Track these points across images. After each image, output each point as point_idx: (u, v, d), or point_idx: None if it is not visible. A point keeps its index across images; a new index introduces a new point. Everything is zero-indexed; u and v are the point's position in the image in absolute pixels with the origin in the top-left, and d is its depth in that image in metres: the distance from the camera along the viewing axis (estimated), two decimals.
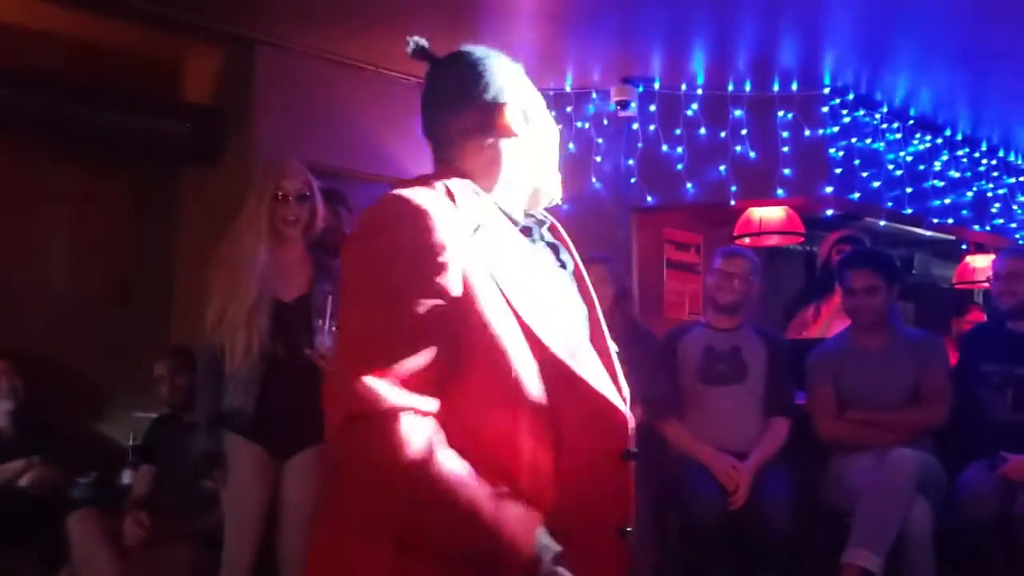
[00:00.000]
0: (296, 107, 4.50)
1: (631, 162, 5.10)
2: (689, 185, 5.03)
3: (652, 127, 5.07)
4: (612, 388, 1.46)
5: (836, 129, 5.05)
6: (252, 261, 3.00)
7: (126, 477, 3.89)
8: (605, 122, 5.12)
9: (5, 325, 4.17)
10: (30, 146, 4.36)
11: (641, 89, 4.99)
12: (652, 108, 5.07)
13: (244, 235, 3.04)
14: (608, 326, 3.59)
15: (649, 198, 5.08)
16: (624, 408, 1.47)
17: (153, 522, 3.52)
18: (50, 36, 4.34)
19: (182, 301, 4.59)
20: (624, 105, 4.93)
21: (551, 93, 5.12)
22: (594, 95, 5.13)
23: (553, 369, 1.38)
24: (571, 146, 5.11)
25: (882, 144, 5.33)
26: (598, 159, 5.12)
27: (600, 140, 5.13)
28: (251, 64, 4.46)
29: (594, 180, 5.12)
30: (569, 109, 5.11)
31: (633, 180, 5.09)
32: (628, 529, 1.46)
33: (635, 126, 5.08)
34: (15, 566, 3.59)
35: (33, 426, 3.92)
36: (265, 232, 3.05)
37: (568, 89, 5.11)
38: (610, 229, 5.05)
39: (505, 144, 1.55)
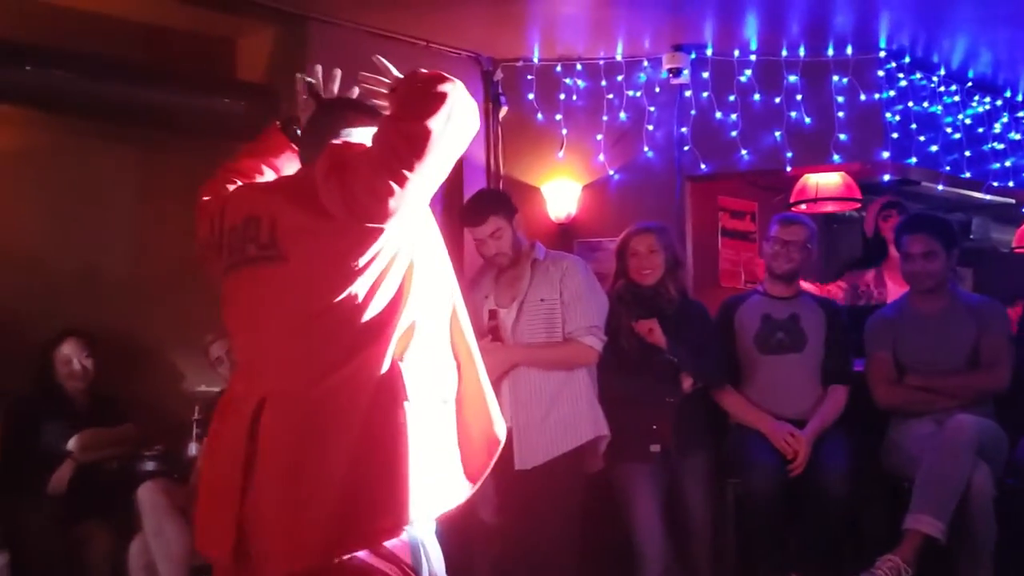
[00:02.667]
0: (349, 83, 4.53)
1: (684, 130, 5.05)
2: (744, 152, 4.98)
3: (705, 94, 5.03)
4: None
5: (892, 93, 4.95)
6: None
7: (192, 450, 3.99)
8: (657, 90, 5.08)
9: (75, 305, 4.30)
10: (92, 127, 4.46)
11: (693, 56, 4.94)
12: (705, 75, 5.01)
13: None
14: (659, 296, 3.55)
15: (703, 166, 5.04)
16: None
17: None
18: (108, 19, 4.42)
19: None
20: (676, 73, 4.88)
21: (601, 62, 5.10)
22: (645, 63, 5.09)
23: None
24: (623, 115, 5.08)
25: (939, 107, 5.22)
26: (650, 128, 5.09)
27: (652, 108, 5.09)
28: (304, 41, 4.51)
29: (646, 149, 5.09)
30: (620, 78, 5.08)
31: (686, 148, 5.05)
32: None
33: (688, 94, 5.04)
34: (91, 535, 3.72)
35: (104, 402, 4.04)
36: None
37: (619, 58, 5.08)
38: (663, 198, 5.03)
39: None
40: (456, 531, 3.32)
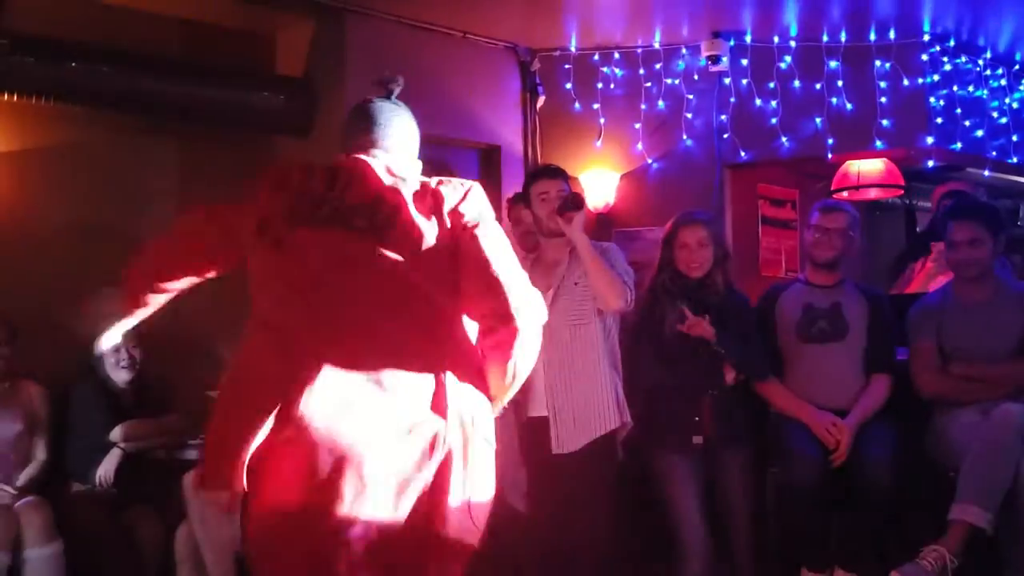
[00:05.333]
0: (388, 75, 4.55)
1: (723, 118, 5.02)
2: (784, 139, 4.94)
3: (744, 81, 4.98)
4: None
5: (936, 77, 4.87)
6: None
7: None
8: (696, 78, 5.05)
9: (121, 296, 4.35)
10: (134, 122, 4.52)
11: (732, 43, 4.90)
12: (744, 62, 4.97)
13: None
14: (705, 288, 3.53)
15: (742, 154, 5.00)
16: None
17: None
18: (150, 15, 4.49)
19: None
20: (715, 60, 4.85)
21: (639, 51, 5.07)
22: (684, 51, 5.05)
23: None
24: (661, 104, 5.06)
25: (985, 91, 5.13)
26: (689, 116, 5.06)
27: (691, 96, 5.06)
28: (341, 34, 4.54)
29: (685, 137, 5.06)
30: (658, 66, 5.06)
31: (726, 136, 5.02)
32: None
33: (727, 81, 5.00)
34: (140, 522, 3.79)
35: (149, 392, 4.11)
36: None
37: (657, 46, 5.05)
38: (702, 187, 5.00)
39: None
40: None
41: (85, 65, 4.00)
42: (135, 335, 4.06)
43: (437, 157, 4.03)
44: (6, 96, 3.94)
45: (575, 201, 3.27)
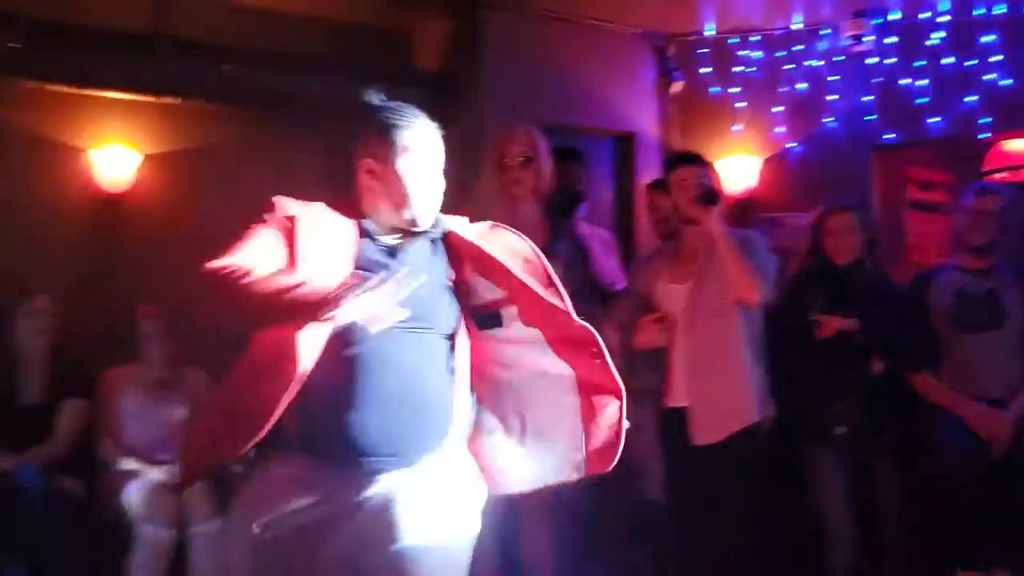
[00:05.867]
0: (522, 67, 4.61)
1: (868, 98, 4.83)
2: (934, 119, 4.71)
3: (891, 60, 4.78)
4: None
5: None
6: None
7: None
8: (838, 58, 4.88)
9: None
10: (284, 120, 4.72)
11: (877, 21, 4.71)
12: (890, 40, 4.77)
13: (483, 202, 3.16)
14: (853, 276, 3.41)
15: (890, 135, 4.80)
16: None
17: None
18: (292, 17, 4.68)
19: None
20: (858, 39, 4.68)
21: (778, 32, 4.94)
22: (825, 31, 4.89)
23: None
24: (802, 86, 4.92)
25: None
26: (832, 98, 4.90)
27: (833, 78, 4.89)
28: (479, 28, 4.61)
29: (828, 120, 4.90)
30: (798, 48, 4.91)
31: (871, 117, 4.83)
32: None
33: (872, 60, 4.81)
34: None
35: None
36: (498, 198, 3.17)
37: (797, 27, 4.91)
38: (846, 170, 4.84)
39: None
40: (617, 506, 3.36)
41: (238, 67, 4.21)
42: None
43: (569, 145, 4.04)
44: (169, 99, 4.20)
45: (710, 196, 3.21)
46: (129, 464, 3.86)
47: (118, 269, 4.38)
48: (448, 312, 2.01)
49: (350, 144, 2.09)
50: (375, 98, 2.10)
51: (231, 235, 4.16)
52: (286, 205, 2.04)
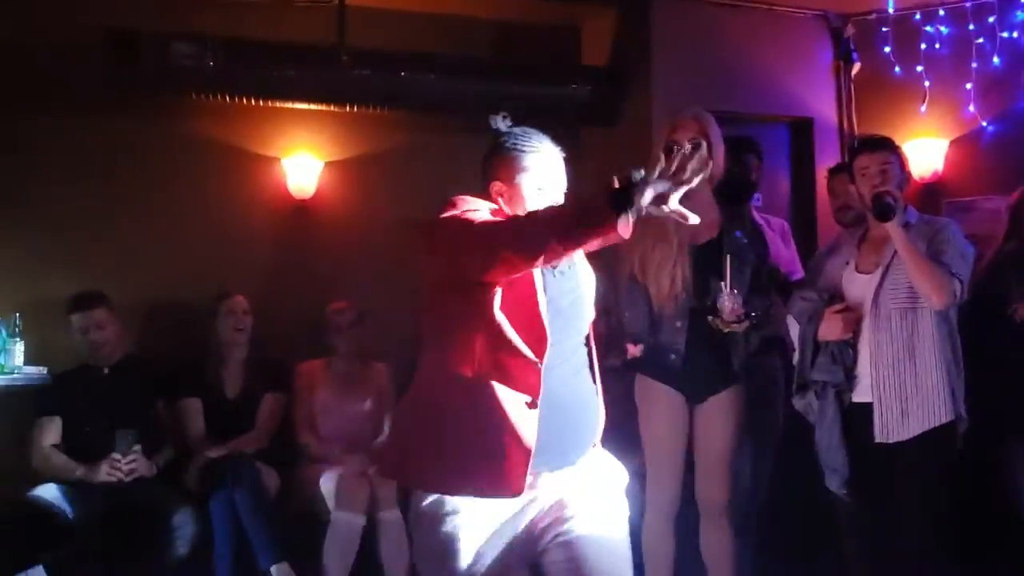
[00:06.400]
0: (692, 57, 4.55)
1: None
2: None
3: None
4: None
5: None
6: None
7: None
8: None
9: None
10: (458, 123, 4.84)
11: None
12: None
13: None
14: None
15: None
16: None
17: None
18: (463, 20, 4.79)
19: (593, 256, 4.85)
20: None
21: (968, 4, 4.65)
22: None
23: None
24: (995, 60, 4.61)
25: None
26: None
27: None
28: (645, 21, 4.58)
29: None
30: (992, 19, 4.60)
31: None
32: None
33: None
34: None
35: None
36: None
37: None
38: None
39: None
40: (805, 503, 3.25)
41: (413, 74, 4.35)
42: (357, 316, 4.34)
43: (746, 133, 3.95)
44: (347, 107, 4.38)
45: (885, 211, 3.03)
46: (323, 453, 4.07)
47: (308, 269, 4.61)
48: (590, 316, 2.23)
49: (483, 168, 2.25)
50: (501, 124, 2.28)
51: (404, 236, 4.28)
52: (469, 201, 2.16)
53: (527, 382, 2.02)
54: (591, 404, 2.20)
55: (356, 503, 3.75)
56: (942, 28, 4.72)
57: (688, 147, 3.16)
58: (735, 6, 4.61)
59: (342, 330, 4.22)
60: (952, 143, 4.75)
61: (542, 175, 2.20)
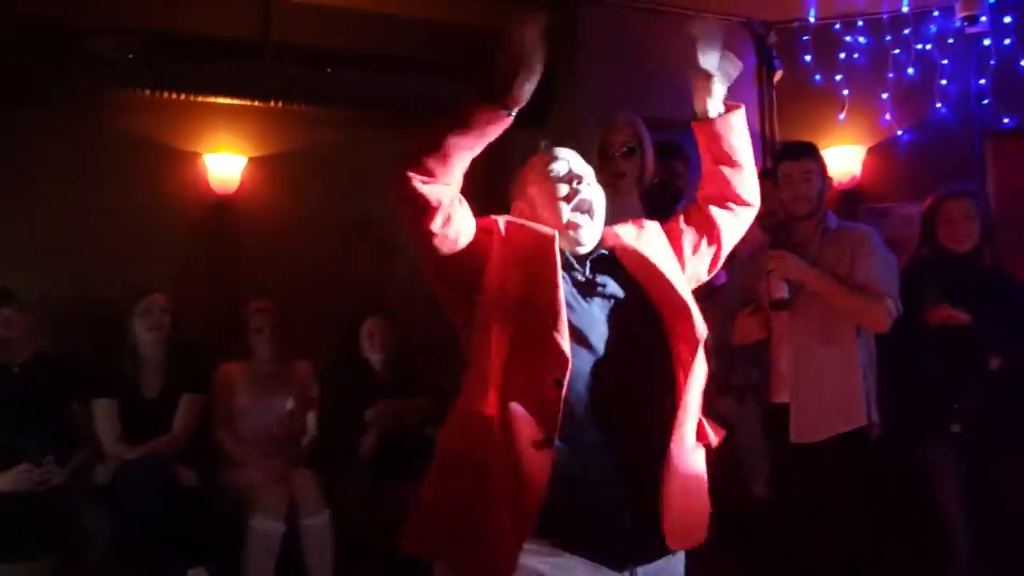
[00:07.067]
0: (619, 60, 4.59)
1: (982, 82, 4.64)
2: None
3: (1007, 41, 4.57)
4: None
5: None
6: None
7: None
8: (950, 41, 4.70)
9: (375, 285, 4.68)
10: (384, 120, 4.80)
11: (992, 0, 4.51)
12: (1007, 20, 4.56)
13: None
14: (970, 265, 3.24)
15: (1006, 120, 4.60)
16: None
17: None
18: (392, 18, 4.75)
19: None
20: (972, 20, 4.49)
21: (885, 16, 4.78)
22: (936, 13, 4.71)
23: None
24: (910, 70, 4.75)
25: None
26: (943, 82, 4.72)
27: (944, 61, 4.71)
28: (573, 24, 4.60)
29: (939, 105, 4.73)
30: (907, 31, 4.74)
31: (985, 102, 4.64)
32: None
33: (986, 42, 4.61)
34: (395, 495, 4.03)
35: (404, 375, 4.36)
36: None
37: (905, 9, 4.74)
38: (959, 157, 4.66)
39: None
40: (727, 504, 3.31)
41: (339, 70, 4.30)
42: (388, 321, 4.34)
43: (670, 139, 3.99)
44: (272, 103, 4.31)
45: (781, 304, 3.11)
46: (242, 456, 4.00)
47: (229, 267, 4.53)
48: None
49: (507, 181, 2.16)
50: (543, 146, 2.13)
51: (331, 234, 4.27)
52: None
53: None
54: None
55: (275, 508, 3.68)
56: (860, 38, 4.84)
57: (623, 150, 3.18)
58: (661, 11, 4.65)
59: (263, 330, 4.15)
60: (869, 150, 4.88)
61: (568, 181, 2.01)
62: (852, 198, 4.84)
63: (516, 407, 1.71)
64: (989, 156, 4.72)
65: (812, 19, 4.89)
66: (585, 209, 1.98)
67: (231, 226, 4.59)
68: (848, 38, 4.86)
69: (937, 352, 3.26)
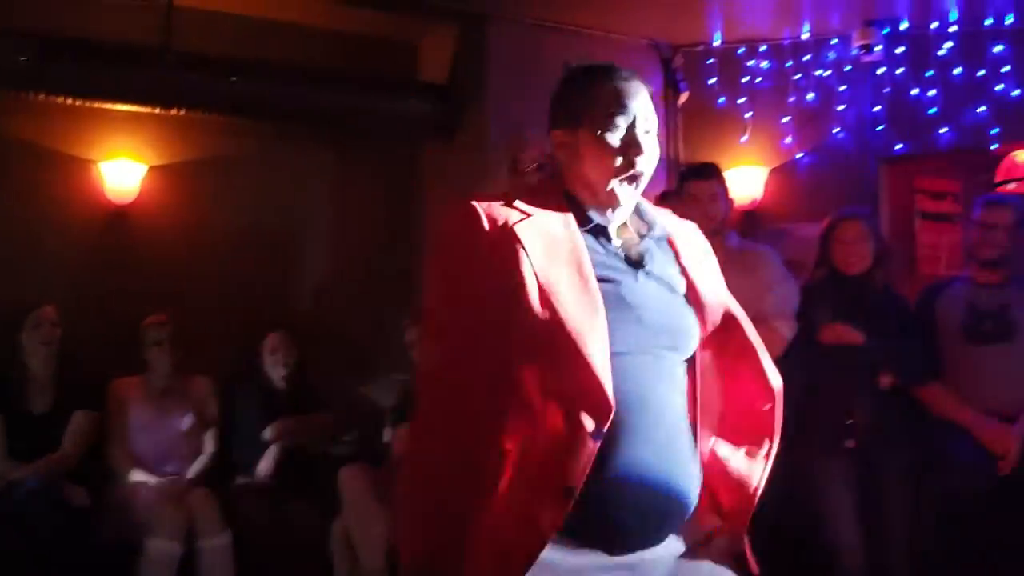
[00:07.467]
0: (528, 78, 4.60)
1: (877, 109, 4.81)
2: (943, 130, 4.69)
3: (900, 70, 4.76)
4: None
5: None
6: None
7: (386, 435, 4.17)
8: (847, 69, 4.86)
9: (277, 299, 4.59)
10: (290, 131, 4.74)
11: (887, 31, 4.69)
12: (899, 50, 4.75)
13: None
14: (863, 287, 3.35)
15: (898, 146, 4.78)
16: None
17: None
18: (301, 28, 4.69)
19: None
20: (868, 49, 4.66)
21: (787, 42, 4.93)
22: (834, 41, 4.87)
23: None
24: (810, 96, 4.90)
25: None
26: (840, 108, 4.88)
27: (842, 88, 4.87)
28: (483, 40, 4.61)
29: (836, 130, 4.88)
30: (807, 58, 4.89)
31: (880, 128, 4.81)
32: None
33: (881, 71, 4.79)
34: (297, 515, 3.96)
35: (303, 391, 4.29)
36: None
37: (805, 37, 4.89)
38: (855, 181, 4.81)
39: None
40: None
41: (243, 79, 4.22)
42: (290, 336, 4.27)
43: None
44: (174, 111, 4.20)
45: None
46: (137, 474, 3.87)
47: (126, 279, 4.39)
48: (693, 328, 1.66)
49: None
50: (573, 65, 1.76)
51: (234, 246, 4.19)
52: (494, 213, 1.60)
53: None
54: (688, 469, 1.61)
55: (172, 529, 3.57)
56: (763, 63, 4.98)
57: (533, 166, 3.20)
58: (570, 31, 4.70)
59: (160, 344, 4.04)
60: (771, 172, 5.00)
61: (624, 112, 1.64)
62: (753, 218, 4.96)
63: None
64: (883, 180, 4.89)
65: (717, 43, 5.01)
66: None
67: (128, 237, 4.45)
68: (751, 63, 4.99)
69: (831, 369, 3.35)
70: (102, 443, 3.93)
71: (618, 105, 1.66)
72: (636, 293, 1.59)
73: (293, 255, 4.78)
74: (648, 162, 1.69)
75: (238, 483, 4.06)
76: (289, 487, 4.01)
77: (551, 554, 1.49)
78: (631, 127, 1.66)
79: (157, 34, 4.12)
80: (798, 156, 4.96)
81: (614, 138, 1.65)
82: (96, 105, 4.14)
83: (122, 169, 4.42)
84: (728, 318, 1.71)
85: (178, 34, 4.14)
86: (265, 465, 4.03)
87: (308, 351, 4.35)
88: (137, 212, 4.47)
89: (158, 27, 4.13)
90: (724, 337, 1.71)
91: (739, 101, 4.99)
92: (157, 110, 4.20)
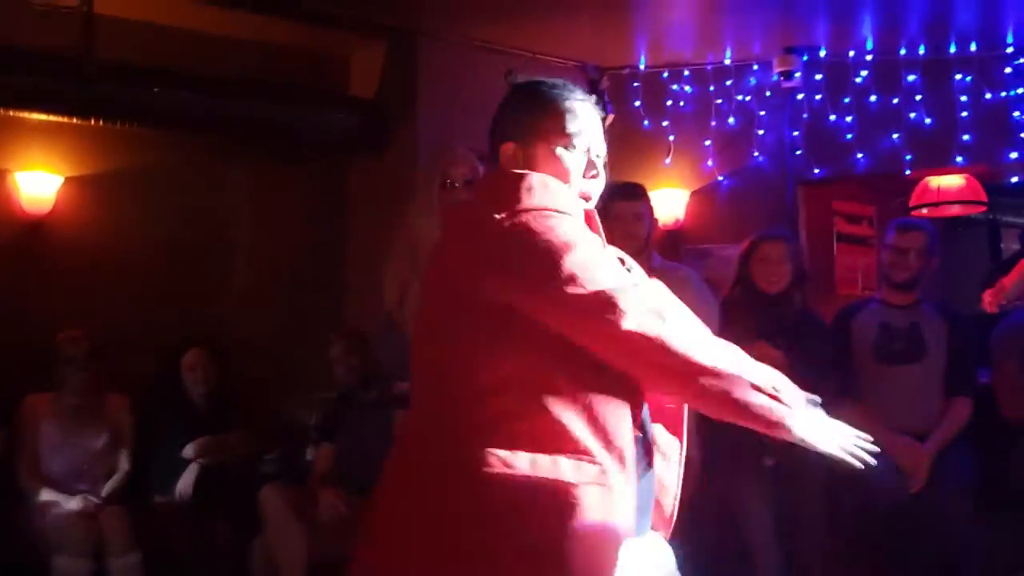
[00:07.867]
0: (457, 95, 4.62)
1: (796, 134, 4.95)
2: (860, 155, 4.84)
3: (818, 97, 4.91)
4: None
5: (1021, 90, 4.72)
6: (427, 245, 3.10)
7: (309, 454, 4.11)
8: (767, 94, 4.99)
9: (197, 315, 4.50)
10: (213, 143, 4.66)
11: (806, 58, 4.83)
12: (818, 77, 4.90)
13: (418, 220, 3.14)
14: (780, 306, 3.42)
15: (816, 170, 4.92)
16: None
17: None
18: (228, 40, 4.63)
19: (353, 286, 4.82)
20: (788, 76, 4.79)
21: (709, 68, 5.03)
22: (755, 67, 5.00)
23: None
24: (731, 120, 5.01)
25: None
26: (760, 132, 5.00)
27: (762, 113, 5.00)
28: (413, 56, 4.61)
29: (756, 154, 5.00)
30: (729, 83, 5.01)
31: (799, 152, 4.94)
32: None
33: (800, 96, 4.93)
34: (216, 534, 3.88)
35: (224, 408, 4.21)
36: (437, 217, 3.15)
37: (728, 62, 5.01)
38: (774, 203, 4.94)
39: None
40: None
41: (166, 90, 4.14)
42: (210, 352, 4.19)
43: None
44: (92, 121, 4.10)
45: None
46: (47, 494, 3.75)
47: (39, 292, 4.25)
48: None
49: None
50: (513, 79, 1.80)
51: (153, 259, 4.08)
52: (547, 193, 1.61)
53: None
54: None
55: (81, 547, 3.48)
56: (686, 87, 5.08)
57: (463, 181, 3.20)
58: (499, 51, 4.73)
59: (74, 360, 3.91)
60: (693, 194, 5.10)
61: (576, 133, 1.65)
62: (675, 238, 5.04)
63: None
64: (801, 203, 5.03)
65: (642, 67, 5.09)
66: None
67: (44, 248, 4.32)
68: (675, 86, 5.08)
69: None
70: (12, 461, 3.80)
71: (578, 125, 1.67)
72: None
73: (214, 270, 4.69)
74: (599, 187, 1.72)
75: (156, 502, 3.96)
76: (209, 506, 3.92)
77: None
78: (587, 151, 1.69)
79: (78, 43, 4.01)
80: (719, 179, 5.07)
81: (571, 159, 1.67)
82: (12, 114, 4.01)
83: (38, 180, 4.30)
84: None
85: (99, 44, 4.04)
86: (184, 483, 3.93)
87: (230, 367, 4.26)
88: (53, 223, 4.34)
89: (79, 36, 4.02)
90: None
91: (663, 124, 5.08)
92: (75, 120, 4.08)
